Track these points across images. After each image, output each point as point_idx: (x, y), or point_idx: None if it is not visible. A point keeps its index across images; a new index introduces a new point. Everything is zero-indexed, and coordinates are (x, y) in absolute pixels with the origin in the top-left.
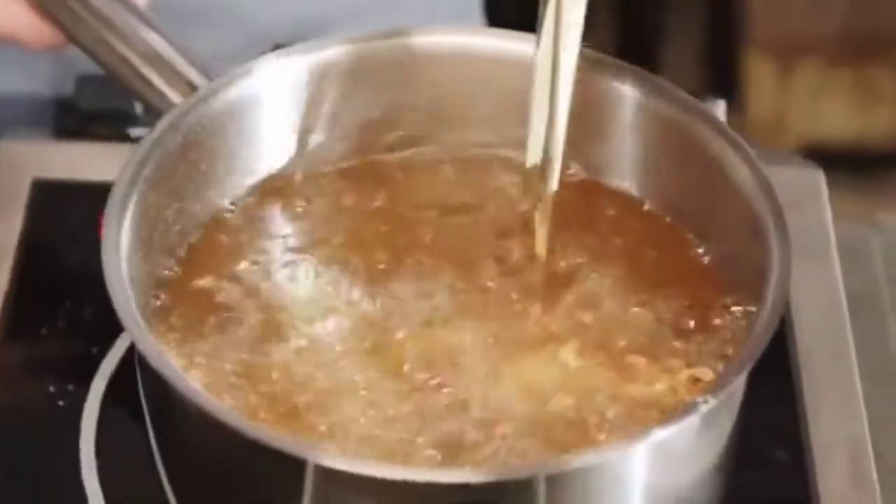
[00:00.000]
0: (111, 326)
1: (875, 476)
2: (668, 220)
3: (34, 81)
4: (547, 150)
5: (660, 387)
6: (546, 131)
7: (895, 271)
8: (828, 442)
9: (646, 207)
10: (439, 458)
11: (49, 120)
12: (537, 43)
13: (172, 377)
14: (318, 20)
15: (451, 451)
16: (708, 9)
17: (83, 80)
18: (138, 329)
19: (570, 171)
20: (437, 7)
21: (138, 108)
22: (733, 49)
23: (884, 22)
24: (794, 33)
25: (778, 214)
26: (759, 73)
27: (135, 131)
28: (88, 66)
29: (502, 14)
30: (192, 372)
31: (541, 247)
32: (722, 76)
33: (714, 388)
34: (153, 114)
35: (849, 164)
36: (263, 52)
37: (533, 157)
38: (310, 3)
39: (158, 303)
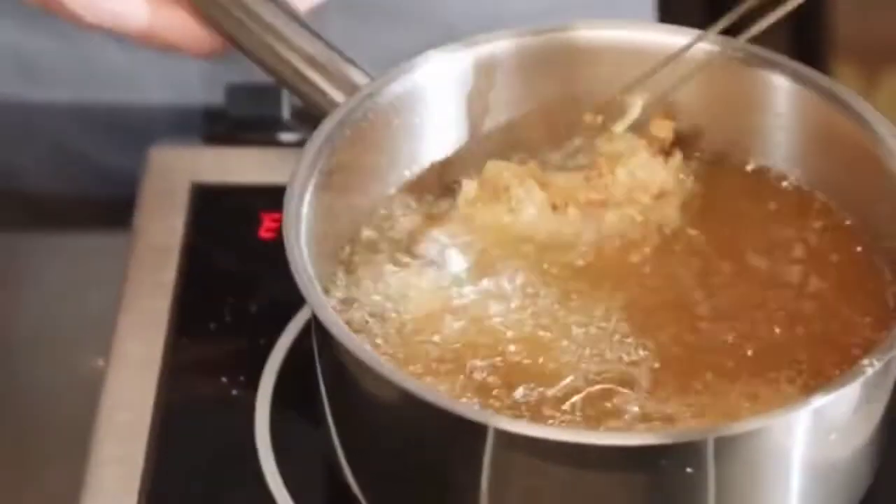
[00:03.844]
0: (276, 319)
1: None
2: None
3: (185, 91)
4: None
5: None
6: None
7: None
8: None
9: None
10: None
11: (199, 128)
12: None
13: (354, 346)
14: (504, 18)
15: None
16: (793, 17)
17: (233, 89)
18: (322, 305)
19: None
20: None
21: (286, 114)
22: (819, 56)
23: None
24: (880, 41)
25: None
26: (845, 80)
27: (283, 137)
28: (237, 75)
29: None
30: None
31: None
32: None
33: (879, 352)
34: (302, 118)
35: None
36: None
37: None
38: (501, 4)
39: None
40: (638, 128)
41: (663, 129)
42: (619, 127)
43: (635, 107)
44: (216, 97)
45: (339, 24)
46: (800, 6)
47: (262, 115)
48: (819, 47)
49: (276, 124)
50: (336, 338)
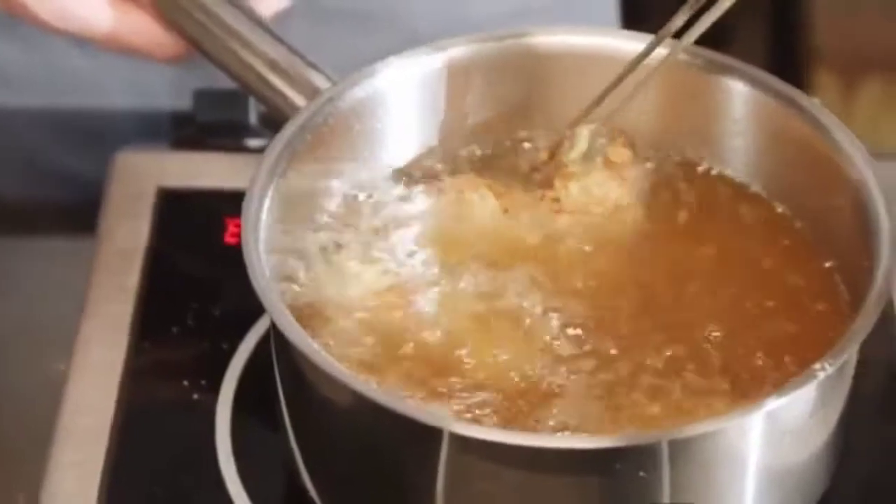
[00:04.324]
0: (239, 324)
1: None
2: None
3: (153, 97)
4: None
5: None
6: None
7: None
8: None
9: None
10: None
11: (166, 133)
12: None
13: (310, 351)
14: (466, 22)
15: None
16: (772, 24)
17: (200, 94)
18: (279, 310)
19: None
20: (575, 12)
21: (253, 119)
22: (798, 64)
23: None
24: (859, 49)
25: (878, 186)
26: (824, 89)
27: (250, 142)
28: (204, 80)
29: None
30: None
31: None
32: None
33: (831, 356)
34: (271, 121)
35: None
36: None
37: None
38: (466, 8)
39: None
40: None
41: (620, 156)
42: (570, 157)
43: (582, 138)
44: (184, 102)
45: (302, 29)
46: (778, 15)
47: (229, 121)
48: (797, 56)
49: (243, 129)
50: (292, 343)
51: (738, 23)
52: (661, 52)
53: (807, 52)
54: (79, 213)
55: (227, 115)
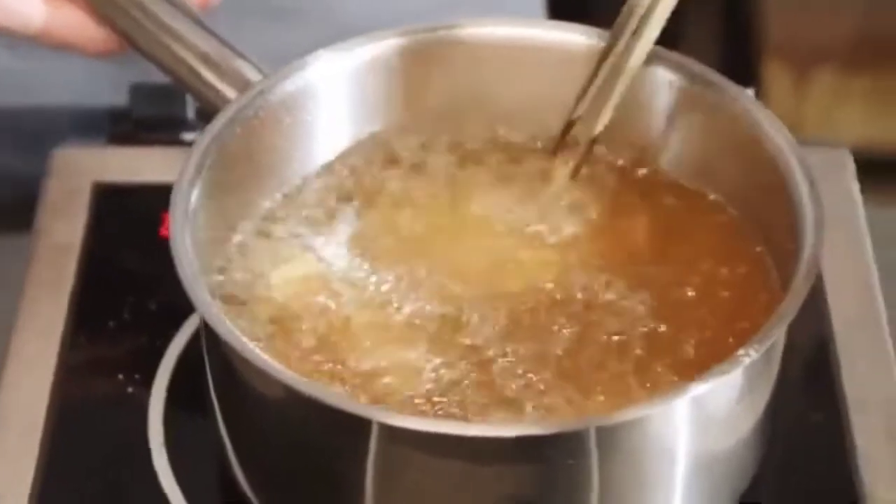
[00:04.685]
0: (174, 318)
1: None
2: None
3: (89, 92)
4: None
5: None
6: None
7: None
8: (863, 403)
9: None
10: None
11: (104, 128)
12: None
13: (238, 344)
14: (394, 16)
15: None
16: (724, 17)
17: (137, 89)
18: (206, 303)
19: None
20: (502, 4)
21: (190, 113)
22: (749, 56)
23: None
24: (810, 40)
25: (806, 169)
26: (776, 81)
27: (187, 136)
28: (141, 75)
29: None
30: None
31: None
32: (738, 83)
33: (756, 342)
34: (208, 115)
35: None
36: None
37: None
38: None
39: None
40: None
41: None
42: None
43: None
44: (121, 98)
45: (230, 23)
46: (730, 8)
47: (166, 115)
48: (750, 48)
49: (180, 124)
50: (220, 335)
51: (690, 16)
52: (592, 44)
53: (759, 45)
54: (17, 211)
55: (163, 110)
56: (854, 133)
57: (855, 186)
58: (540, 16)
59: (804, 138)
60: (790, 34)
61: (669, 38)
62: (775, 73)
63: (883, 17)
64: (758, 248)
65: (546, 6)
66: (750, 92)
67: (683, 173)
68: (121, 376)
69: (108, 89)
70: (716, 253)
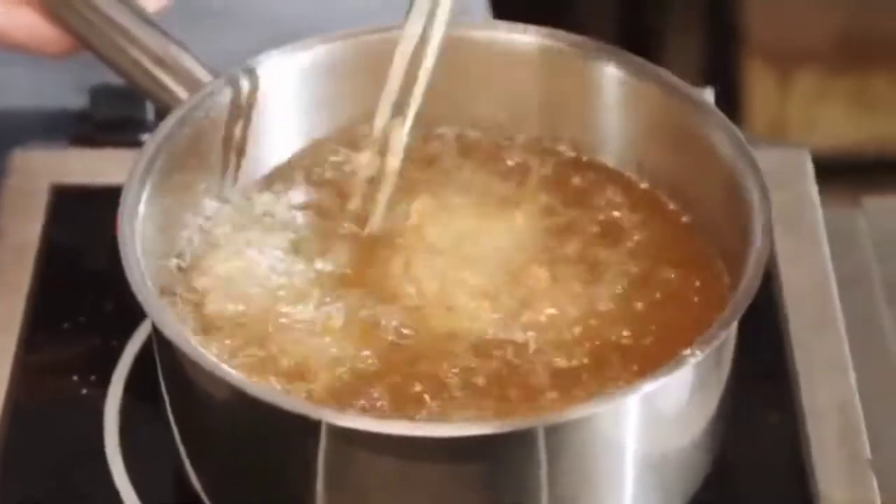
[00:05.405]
0: (129, 320)
1: (865, 438)
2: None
3: (49, 94)
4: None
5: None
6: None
7: (883, 252)
8: (818, 406)
9: (638, 184)
10: None
11: (64, 130)
12: (407, 16)
13: (186, 347)
14: (335, 18)
15: None
16: (706, 18)
17: (97, 91)
18: (154, 305)
19: (560, 150)
20: None
21: (150, 115)
22: (732, 57)
23: (882, 29)
24: (793, 41)
25: (756, 170)
26: (758, 81)
27: (146, 137)
28: (101, 77)
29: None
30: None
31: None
32: (721, 84)
33: (702, 342)
34: (164, 115)
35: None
36: None
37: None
38: (334, 4)
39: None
40: None
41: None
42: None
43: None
44: (81, 100)
45: (172, 27)
46: (712, 8)
47: (126, 117)
48: (732, 49)
49: (140, 125)
50: (168, 338)
51: (673, 15)
52: (537, 40)
53: (742, 45)
54: None
55: (123, 112)
56: (836, 133)
57: (813, 189)
58: (484, 13)
59: (760, 139)
60: (773, 35)
61: (651, 39)
62: (758, 74)
63: (866, 18)
64: (710, 250)
65: (489, 5)
66: (708, 91)
67: (634, 173)
68: (77, 377)
69: (68, 91)
70: (668, 255)
